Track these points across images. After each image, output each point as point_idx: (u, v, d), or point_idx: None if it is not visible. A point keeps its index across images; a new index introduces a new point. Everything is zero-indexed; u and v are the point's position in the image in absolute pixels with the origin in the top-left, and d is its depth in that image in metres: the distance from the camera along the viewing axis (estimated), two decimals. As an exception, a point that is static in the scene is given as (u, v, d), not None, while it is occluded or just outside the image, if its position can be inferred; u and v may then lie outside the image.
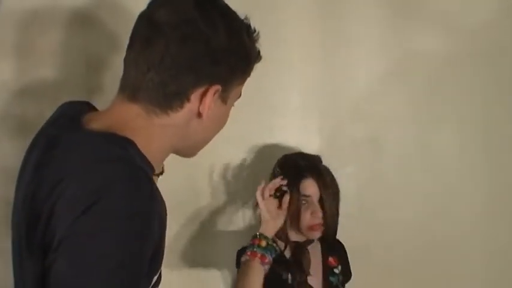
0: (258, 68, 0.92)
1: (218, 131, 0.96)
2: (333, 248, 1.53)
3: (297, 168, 1.48)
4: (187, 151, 0.95)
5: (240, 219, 1.73)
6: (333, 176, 1.50)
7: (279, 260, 1.44)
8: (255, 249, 1.38)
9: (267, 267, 1.38)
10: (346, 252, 1.56)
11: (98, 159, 0.75)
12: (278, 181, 1.44)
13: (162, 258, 0.81)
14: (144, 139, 0.80)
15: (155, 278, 0.83)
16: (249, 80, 0.92)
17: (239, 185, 1.69)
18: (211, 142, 0.96)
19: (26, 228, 0.77)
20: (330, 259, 1.52)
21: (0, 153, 1.64)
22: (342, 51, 1.69)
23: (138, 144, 0.79)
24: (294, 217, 1.45)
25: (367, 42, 1.70)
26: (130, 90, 0.84)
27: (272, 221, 1.41)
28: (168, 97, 0.82)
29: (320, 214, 1.44)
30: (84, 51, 1.64)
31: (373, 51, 1.70)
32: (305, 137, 1.71)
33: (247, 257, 1.38)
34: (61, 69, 1.64)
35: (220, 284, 1.75)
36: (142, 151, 0.79)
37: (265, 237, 1.40)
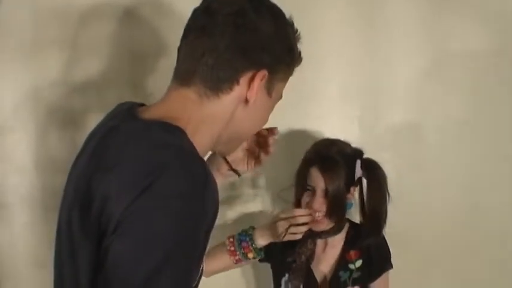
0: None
1: (258, 126, 1.00)
2: (364, 241, 1.43)
3: (309, 153, 1.45)
4: (228, 144, 0.98)
5: (272, 208, 1.74)
6: (348, 167, 1.40)
7: (290, 243, 1.43)
8: (238, 253, 1.41)
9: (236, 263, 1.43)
10: (380, 249, 1.45)
11: (153, 145, 0.79)
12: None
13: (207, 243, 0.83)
14: (192, 130, 0.84)
15: (202, 265, 0.86)
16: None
17: (276, 173, 1.69)
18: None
19: (80, 212, 0.80)
20: (351, 252, 1.44)
21: (48, 145, 1.70)
22: (382, 40, 1.68)
23: (188, 135, 0.83)
24: (295, 203, 1.44)
25: (409, 32, 1.67)
26: (184, 75, 0.89)
27: (272, 238, 1.40)
28: (220, 79, 0.87)
29: (316, 206, 1.38)
30: (129, 47, 1.68)
31: (414, 41, 1.68)
32: (345, 125, 1.70)
33: (228, 248, 1.42)
34: (106, 63, 1.69)
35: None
36: (192, 141, 0.83)
37: (257, 252, 1.41)
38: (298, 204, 1.44)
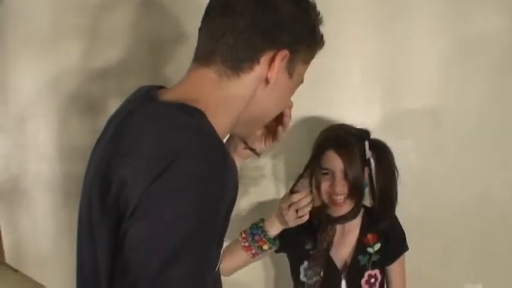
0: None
1: (279, 108, 0.98)
2: (380, 224, 1.43)
3: (320, 140, 1.44)
4: (247, 126, 0.97)
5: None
6: (360, 150, 1.39)
7: (306, 230, 1.43)
8: (253, 247, 1.41)
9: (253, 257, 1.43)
10: (395, 231, 1.46)
11: (171, 127, 0.78)
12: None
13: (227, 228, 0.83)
14: (212, 112, 0.83)
15: (222, 251, 0.85)
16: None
17: (297, 159, 1.69)
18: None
19: (99, 196, 0.80)
20: (368, 236, 1.45)
21: (69, 132, 1.72)
22: (403, 25, 1.65)
23: (208, 116, 0.82)
24: (317, 190, 1.42)
25: (430, 17, 1.65)
26: (204, 55, 0.88)
27: (283, 226, 1.40)
28: (239, 59, 0.86)
29: (338, 189, 1.37)
30: (147, 34, 1.68)
31: (434, 25, 1.65)
32: (366, 110, 1.69)
33: (242, 244, 1.41)
34: (125, 51, 1.69)
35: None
36: (212, 122, 0.82)
37: (271, 242, 1.42)
38: (318, 188, 1.42)
